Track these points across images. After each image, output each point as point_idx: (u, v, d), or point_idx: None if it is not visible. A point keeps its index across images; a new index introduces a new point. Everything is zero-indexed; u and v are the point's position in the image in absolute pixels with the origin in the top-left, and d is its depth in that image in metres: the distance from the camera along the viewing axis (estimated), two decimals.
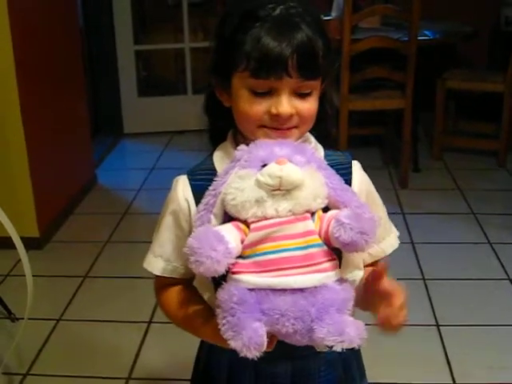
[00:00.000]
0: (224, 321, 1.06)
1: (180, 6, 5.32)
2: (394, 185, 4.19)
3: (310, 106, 1.18)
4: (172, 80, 5.94)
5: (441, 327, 2.82)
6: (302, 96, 1.17)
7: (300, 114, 1.17)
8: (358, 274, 1.25)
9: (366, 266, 1.31)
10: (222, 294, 1.07)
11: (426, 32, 4.32)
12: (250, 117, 1.17)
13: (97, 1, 5.13)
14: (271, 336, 1.08)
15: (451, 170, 4.54)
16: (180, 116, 5.32)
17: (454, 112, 4.83)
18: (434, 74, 4.56)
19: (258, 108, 1.16)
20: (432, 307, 2.95)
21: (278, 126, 1.17)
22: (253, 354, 1.04)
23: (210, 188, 1.15)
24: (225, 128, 1.28)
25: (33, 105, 3.45)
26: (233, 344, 1.04)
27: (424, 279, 3.15)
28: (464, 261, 3.37)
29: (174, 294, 1.32)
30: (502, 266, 3.30)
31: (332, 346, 1.04)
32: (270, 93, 1.16)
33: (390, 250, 1.34)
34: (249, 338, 1.03)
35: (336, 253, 1.12)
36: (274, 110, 1.15)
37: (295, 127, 1.19)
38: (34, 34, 3.49)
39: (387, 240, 1.34)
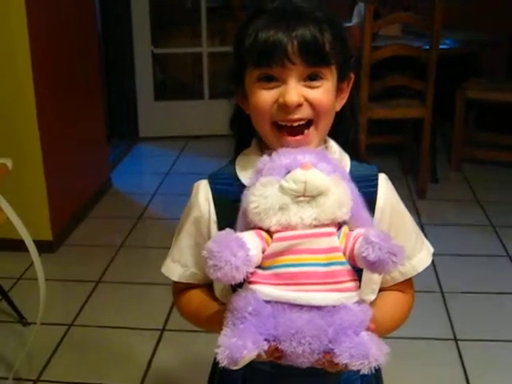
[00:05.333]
0: (231, 322, 1.03)
1: (198, 9, 5.29)
2: (412, 195, 4.14)
3: (320, 94, 1.14)
4: (189, 84, 5.92)
5: (459, 342, 2.77)
6: (312, 85, 1.14)
7: (311, 103, 1.14)
8: (370, 298, 1.23)
9: (395, 284, 1.28)
10: (238, 301, 1.04)
11: (447, 41, 4.28)
12: (260, 109, 1.15)
13: (115, 4, 5.11)
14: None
15: (470, 181, 4.48)
16: (196, 121, 5.31)
17: (473, 122, 4.77)
18: (454, 84, 4.51)
19: (267, 98, 1.14)
20: (450, 321, 2.90)
21: (287, 117, 1.14)
22: (223, 362, 1.00)
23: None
24: (249, 137, 1.26)
25: (49, 108, 3.43)
26: (220, 340, 1.01)
27: (442, 292, 3.08)
28: (483, 274, 3.31)
29: (194, 295, 1.29)
30: None
31: (359, 370, 1.00)
32: (278, 84, 1.14)
33: (420, 268, 1.29)
34: (236, 346, 0.99)
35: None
36: (281, 99, 1.13)
37: (310, 123, 1.15)
38: (51, 36, 3.47)
39: (418, 257, 1.29)
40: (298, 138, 1.15)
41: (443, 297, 3.07)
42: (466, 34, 4.57)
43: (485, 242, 3.66)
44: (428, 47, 3.94)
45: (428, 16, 3.87)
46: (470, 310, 3.00)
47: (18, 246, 2.44)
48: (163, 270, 1.31)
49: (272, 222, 1.04)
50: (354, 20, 4.40)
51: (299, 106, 1.13)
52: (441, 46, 3.99)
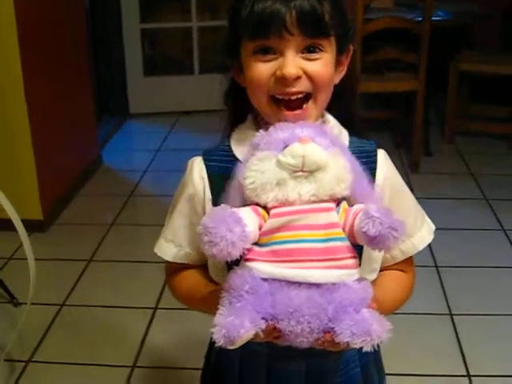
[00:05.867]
0: (227, 301, 1.00)
1: None
2: (405, 169, 4.12)
3: (319, 67, 1.10)
4: (179, 59, 5.86)
5: (454, 316, 2.76)
6: (311, 58, 1.10)
7: (309, 76, 1.10)
8: (371, 277, 1.20)
9: (395, 264, 1.26)
10: (235, 279, 1.01)
11: (439, 12, 4.23)
12: (256, 82, 1.11)
13: None
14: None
15: (463, 153, 4.46)
16: (187, 96, 5.25)
17: (466, 95, 4.73)
18: (446, 56, 4.47)
19: (264, 71, 1.10)
20: (445, 295, 2.89)
21: (285, 90, 1.10)
22: (219, 341, 0.97)
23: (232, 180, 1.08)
24: (244, 112, 1.22)
25: (36, 84, 3.38)
26: (216, 320, 0.98)
27: (437, 266, 3.08)
28: (477, 248, 3.30)
29: (188, 277, 1.26)
30: None
31: (361, 348, 0.97)
32: (275, 57, 1.10)
33: (421, 246, 1.26)
34: (233, 325, 0.96)
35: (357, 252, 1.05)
36: (278, 72, 1.09)
37: (308, 96, 1.12)
38: (38, 12, 3.41)
39: (419, 235, 1.26)
40: (297, 112, 1.11)
41: (437, 271, 3.06)
42: (458, 5, 4.53)
43: (479, 215, 3.64)
44: (421, 19, 3.90)
45: None
46: (464, 284, 2.99)
47: (9, 225, 2.40)
48: (156, 249, 1.28)
49: (269, 197, 1.01)
50: None
51: (298, 78, 1.09)
52: (433, 18, 3.95)
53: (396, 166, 1.25)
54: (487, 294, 2.92)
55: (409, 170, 4.12)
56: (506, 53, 4.72)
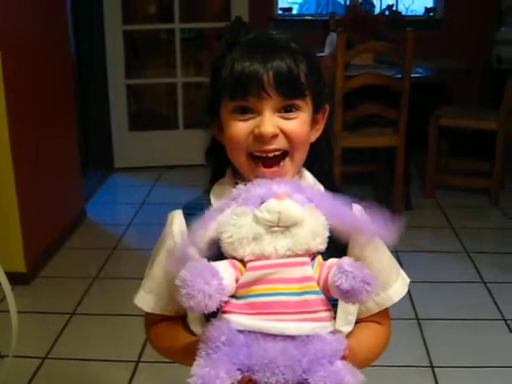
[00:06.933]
0: (204, 352, 1.02)
1: (173, 40, 5.31)
2: None
3: (295, 126, 1.14)
4: (163, 114, 5.92)
5: (435, 369, 2.76)
6: (288, 117, 1.14)
7: (286, 134, 1.14)
8: (347, 330, 1.22)
9: (371, 316, 1.28)
10: (212, 331, 1.03)
11: (419, 69, 4.33)
12: (235, 140, 1.15)
13: (89, 34, 5.12)
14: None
15: (444, 207, 4.52)
16: (171, 151, 5.31)
17: (446, 150, 4.81)
18: (426, 112, 4.55)
19: (242, 130, 1.14)
20: (426, 348, 2.89)
21: (262, 147, 1.13)
22: None
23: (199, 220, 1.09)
24: (225, 167, 1.25)
25: (22, 138, 3.41)
26: (193, 370, 1.00)
27: (418, 319, 3.09)
28: (458, 300, 3.32)
29: (167, 328, 1.28)
30: (497, 306, 3.25)
31: None
32: (253, 116, 1.13)
33: (396, 299, 1.29)
34: (209, 376, 0.99)
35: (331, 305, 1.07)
36: (256, 130, 1.13)
37: (285, 154, 1.15)
38: (25, 67, 3.46)
39: (394, 288, 1.29)
40: (274, 169, 1.15)
41: (419, 323, 3.07)
42: (438, 62, 4.63)
43: (459, 268, 3.68)
44: (400, 76, 3.98)
45: (400, 45, 3.91)
46: (445, 337, 3.00)
47: None
48: (136, 301, 1.30)
49: (246, 251, 1.04)
50: (327, 50, 4.44)
51: (274, 136, 1.13)
52: (413, 75, 4.03)
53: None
54: (468, 347, 2.92)
55: None
56: (485, 108, 4.81)
